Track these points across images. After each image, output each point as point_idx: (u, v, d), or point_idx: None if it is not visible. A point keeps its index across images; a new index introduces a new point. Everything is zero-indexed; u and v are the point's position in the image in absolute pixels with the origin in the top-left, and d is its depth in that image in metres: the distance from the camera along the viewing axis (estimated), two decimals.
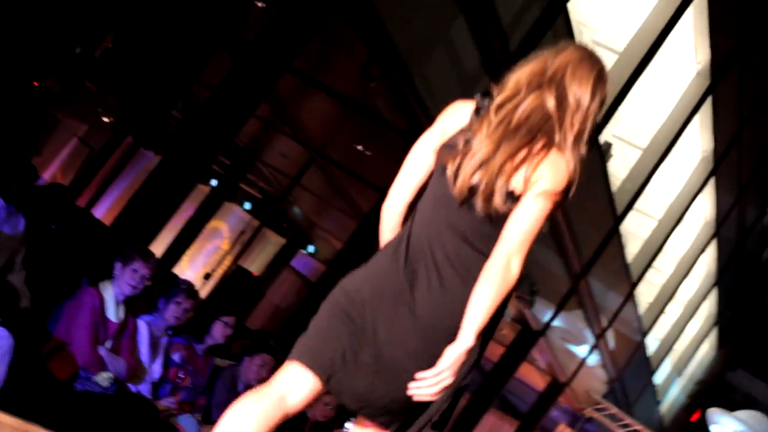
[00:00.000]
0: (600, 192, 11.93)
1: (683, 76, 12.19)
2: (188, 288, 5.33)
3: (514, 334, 13.71)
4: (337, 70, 8.86)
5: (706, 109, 12.70)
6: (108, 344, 4.77)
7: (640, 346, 17.63)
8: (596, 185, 11.83)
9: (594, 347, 15.40)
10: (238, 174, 13.78)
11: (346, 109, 9.09)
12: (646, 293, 16.48)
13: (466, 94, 2.62)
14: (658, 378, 21.35)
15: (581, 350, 15.59)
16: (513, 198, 2.32)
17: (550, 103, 2.36)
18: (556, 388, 16.18)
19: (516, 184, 2.33)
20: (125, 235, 5.96)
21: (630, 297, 14.93)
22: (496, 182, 2.32)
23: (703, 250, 16.09)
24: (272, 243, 14.84)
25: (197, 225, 13.25)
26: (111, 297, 4.77)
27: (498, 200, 2.32)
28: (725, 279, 18.59)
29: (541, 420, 17.03)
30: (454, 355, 2.25)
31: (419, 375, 2.28)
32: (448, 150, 2.40)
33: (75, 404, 4.46)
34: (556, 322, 13.65)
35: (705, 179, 14.08)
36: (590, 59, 2.44)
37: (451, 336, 2.28)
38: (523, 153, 2.32)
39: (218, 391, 5.77)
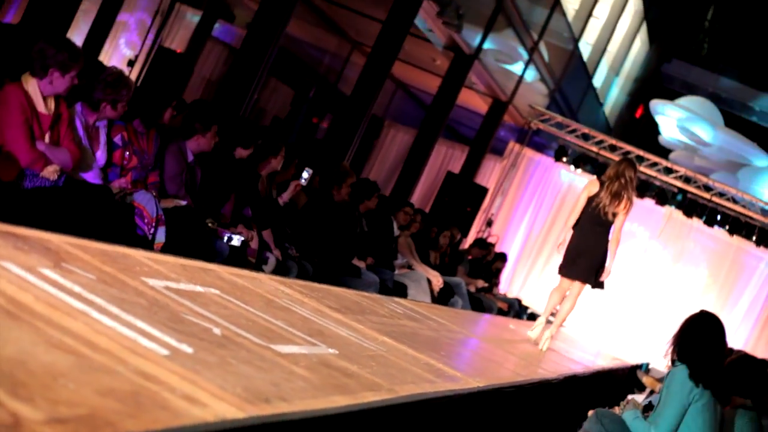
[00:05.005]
0: None
1: None
2: (118, 75, 5.25)
3: (449, 62, 13.76)
4: None
5: None
6: (46, 138, 4.76)
7: (574, 54, 17.83)
8: None
9: (529, 62, 15.56)
10: None
11: None
12: (572, 0, 16.45)
13: None
14: (597, 81, 21.74)
15: (517, 68, 15.75)
16: (615, 215, 7.10)
17: (622, 183, 7.07)
18: (499, 108, 16.46)
19: (616, 211, 7.09)
20: (37, 29, 5.81)
21: (556, 6, 14.93)
22: (611, 210, 7.04)
23: None
24: (189, 17, 14.42)
25: (109, 16, 12.80)
26: (36, 90, 4.70)
27: (611, 216, 7.08)
28: None
29: (491, 142, 17.45)
30: (609, 269, 7.22)
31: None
32: (595, 198, 7.10)
33: (26, 202, 4.49)
34: (487, 44, 13.68)
35: None
36: (633, 166, 7.15)
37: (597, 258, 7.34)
38: (617, 201, 7.05)
39: (169, 165, 5.89)
